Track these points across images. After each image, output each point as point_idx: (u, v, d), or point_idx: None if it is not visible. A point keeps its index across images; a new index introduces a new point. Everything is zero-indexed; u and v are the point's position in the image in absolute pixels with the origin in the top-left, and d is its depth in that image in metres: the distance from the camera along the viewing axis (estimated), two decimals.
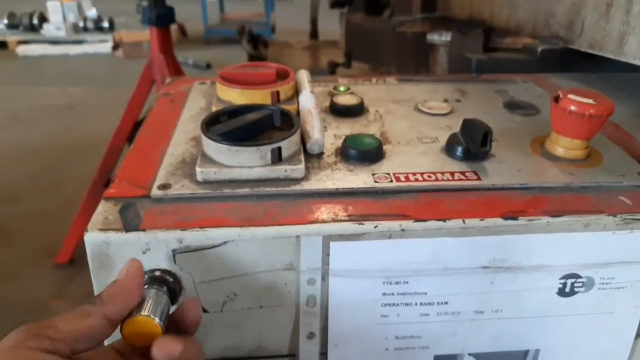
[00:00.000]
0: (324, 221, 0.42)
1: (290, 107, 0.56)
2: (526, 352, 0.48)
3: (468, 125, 0.51)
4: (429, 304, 0.45)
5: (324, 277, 0.43)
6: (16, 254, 1.67)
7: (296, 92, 0.61)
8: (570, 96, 0.49)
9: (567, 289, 0.46)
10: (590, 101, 0.48)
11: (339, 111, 0.60)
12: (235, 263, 0.42)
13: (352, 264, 0.43)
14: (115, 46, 4.56)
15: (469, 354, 0.48)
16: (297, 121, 0.49)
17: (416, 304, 0.45)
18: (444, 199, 0.45)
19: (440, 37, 1.18)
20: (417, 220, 0.42)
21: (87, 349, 0.34)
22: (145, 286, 0.40)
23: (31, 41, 4.60)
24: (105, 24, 4.76)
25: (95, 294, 0.42)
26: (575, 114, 0.48)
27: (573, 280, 0.45)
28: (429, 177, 0.47)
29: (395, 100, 0.65)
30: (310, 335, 0.46)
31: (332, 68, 1.52)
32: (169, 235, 0.41)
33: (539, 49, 0.79)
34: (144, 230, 0.41)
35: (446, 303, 0.45)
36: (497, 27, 1.02)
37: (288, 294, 0.44)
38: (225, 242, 0.41)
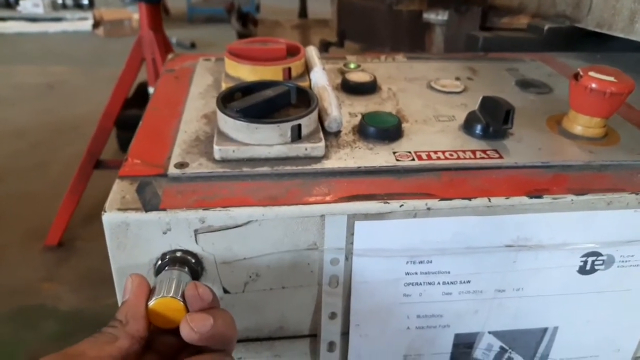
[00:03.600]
0: (348, 200, 0.41)
1: (302, 84, 0.54)
2: (545, 330, 0.48)
3: (488, 102, 0.50)
4: (451, 283, 0.45)
5: (348, 256, 0.43)
6: (2, 237, 1.63)
7: (307, 69, 0.59)
8: (591, 74, 0.48)
9: (588, 267, 0.46)
10: (611, 79, 0.48)
11: (351, 88, 0.59)
12: (257, 243, 0.41)
13: (376, 243, 0.42)
14: (96, 24, 4.44)
15: (489, 332, 0.48)
16: (315, 98, 0.48)
17: (439, 283, 0.45)
18: (467, 178, 0.45)
19: (437, 16, 1.17)
20: (442, 199, 0.42)
21: None
22: (166, 267, 0.39)
23: (7, 18, 4.45)
24: (85, 1, 4.62)
25: (114, 273, 0.41)
26: (596, 91, 0.48)
27: (594, 258, 0.45)
28: (451, 155, 0.47)
29: (407, 78, 0.64)
30: (332, 315, 0.46)
31: (325, 47, 1.50)
32: (191, 215, 0.40)
33: (546, 28, 0.78)
34: (164, 209, 0.39)
35: (468, 282, 0.45)
36: (498, 6, 1.01)
37: (311, 273, 0.44)
38: (248, 222, 0.40)
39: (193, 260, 0.41)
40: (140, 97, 1.88)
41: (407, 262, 0.44)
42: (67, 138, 2.27)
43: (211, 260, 0.41)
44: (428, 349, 0.48)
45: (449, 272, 0.44)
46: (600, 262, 0.46)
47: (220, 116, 0.45)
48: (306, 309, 0.45)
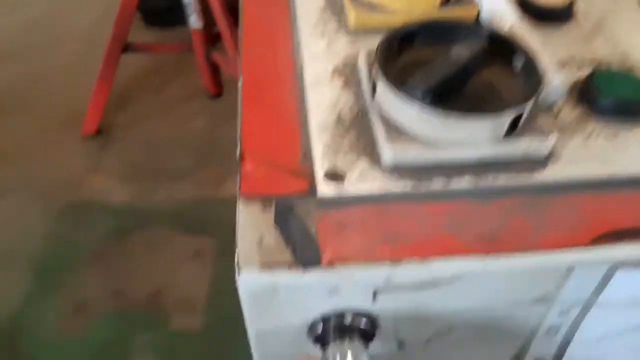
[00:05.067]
0: (611, 240, 0.26)
1: (464, 11, 0.36)
2: None
3: None
4: None
5: (587, 306, 0.29)
6: (36, 123, 1.51)
7: None
8: None
9: None
10: None
11: (536, 13, 0.39)
12: (460, 300, 0.28)
13: (634, 291, 0.28)
14: None
15: None
16: (531, 58, 0.30)
17: None
18: None
19: None
20: None
21: None
22: (332, 337, 0.27)
23: None
24: None
25: (250, 336, 0.29)
26: None
27: None
28: None
29: None
30: None
31: None
32: (372, 273, 0.25)
33: None
34: (331, 265, 0.25)
35: None
36: None
37: (523, 325, 0.30)
38: (454, 279, 0.26)
39: (365, 321, 0.28)
40: None
41: None
42: (77, 10, 2.00)
43: (389, 317, 0.28)
44: None
45: None
46: None
47: (391, 97, 0.28)
48: (498, 357, 0.33)
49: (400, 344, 0.30)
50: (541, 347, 0.33)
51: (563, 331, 0.31)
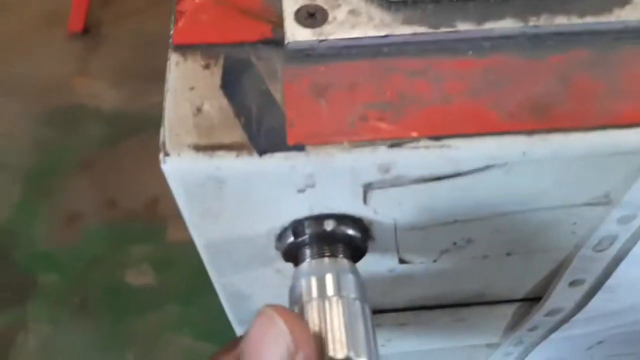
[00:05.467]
0: None
1: None
2: None
3: None
4: None
5: None
6: (16, 21, 1.39)
7: None
8: None
9: None
10: None
11: None
12: (489, 197, 0.20)
13: None
14: None
15: None
16: None
17: None
18: None
19: None
20: None
21: None
22: (308, 253, 0.19)
23: None
24: None
25: (200, 249, 0.21)
26: None
27: None
28: None
29: None
30: (577, 283, 0.26)
31: None
32: (362, 159, 0.17)
33: None
34: (300, 147, 0.17)
35: None
36: None
37: (569, 235, 0.23)
38: (486, 167, 0.18)
39: (351, 230, 0.20)
40: None
41: None
42: None
43: (387, 225, 0.20)
44: None
45: None
46: None
47: None
48: (532, 275, 0.26)
49: (403, 260, 0.23)
50: (584, 265, 0.25)
51: (618, 245, 0.23)
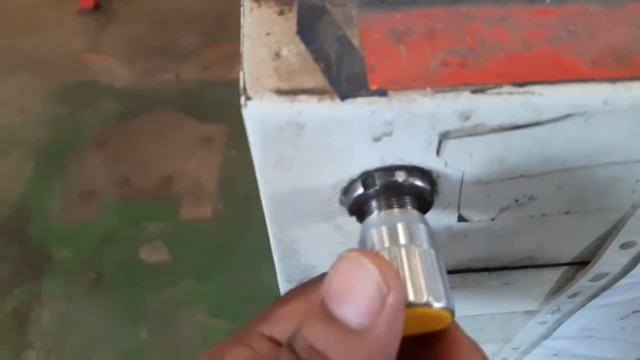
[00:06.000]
0: None
1: None
2: None
3: None
4: None
5: None
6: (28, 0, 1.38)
7: None
8: None
9: None
10: None
11: None
12: (561, 151, 0.20)
13: None
14: None
15: None
16: None
17: None
18: None
19: None
20: None
21: None
22: (375, 211, 0.19)
23: None
24: None
25: (264, 201, 0.21)
26: None
27: None
28: None
29: None
30: (628, 245, 0.26)
31: None
32: (442, 105, 0.17)
33: None
34: (383, 93, 0.17)
35: None
36: None
37: (629, 194, 0.23)
38: (566, 116, 0.18)
39: (421, 182, 0.20)
40: None
41: None
42: None
43: (454, 179, 0.20)
44: None
45: None
46: None
47: None
48: (584, 236, 0.26)
49: (462, 218, 0.23)
50: (639, 226, 0.25)
51: None
